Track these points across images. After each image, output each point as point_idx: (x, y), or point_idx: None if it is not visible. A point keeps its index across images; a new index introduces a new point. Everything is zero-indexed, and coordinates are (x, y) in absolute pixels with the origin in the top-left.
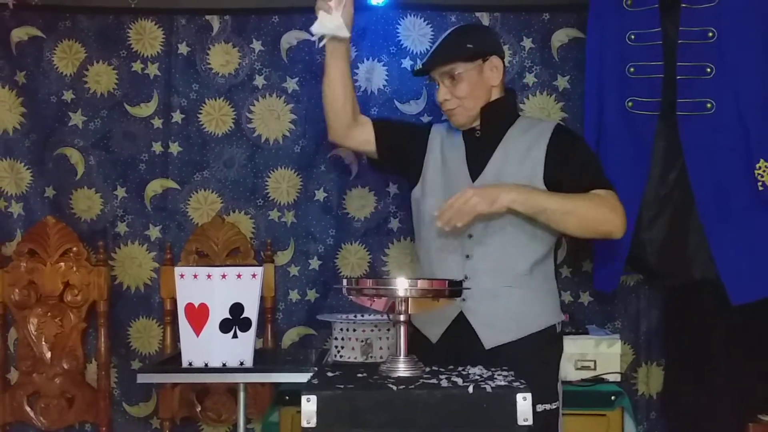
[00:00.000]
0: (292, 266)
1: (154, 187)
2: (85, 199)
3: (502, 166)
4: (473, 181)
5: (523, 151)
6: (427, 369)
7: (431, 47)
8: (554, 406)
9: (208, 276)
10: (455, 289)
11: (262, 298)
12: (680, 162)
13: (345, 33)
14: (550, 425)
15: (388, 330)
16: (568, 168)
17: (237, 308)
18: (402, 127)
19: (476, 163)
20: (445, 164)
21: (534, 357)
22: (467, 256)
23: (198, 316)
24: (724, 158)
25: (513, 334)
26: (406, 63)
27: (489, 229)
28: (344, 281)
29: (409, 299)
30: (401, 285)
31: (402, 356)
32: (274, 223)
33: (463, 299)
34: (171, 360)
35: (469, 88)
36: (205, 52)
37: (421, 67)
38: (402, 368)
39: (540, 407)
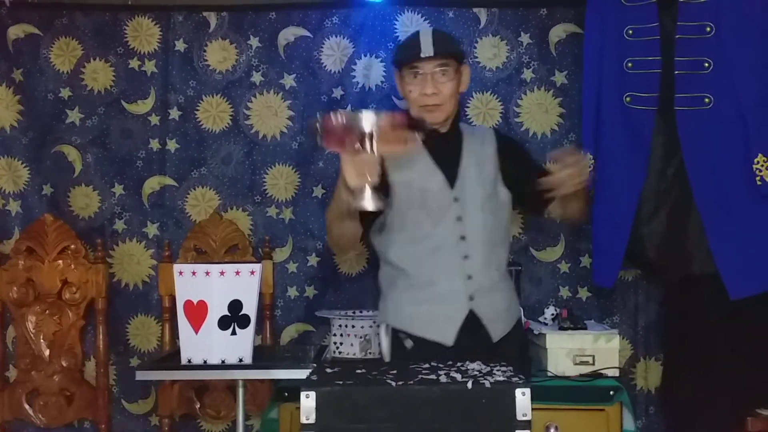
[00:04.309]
0: (291, 263)
1: (152, 184)
2: (83, 196)
3: (469, 168)
4: (451, 186)
5: (481, 155)
6: (426, 365)
7: (414, 39)
8: None
9: (207, 273)
10: (419, 123)
11: (261, 295)
12: (679, 157)
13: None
14: None
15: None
16: (525, 164)
17: (235, 305)
18: None
19: (446, 165)
20: (414, 171)
21: (524, 340)
22: (465, 257)
23: (197, 313)
24: (722, 153)
25: (509, 325)
26: None
27: (481, 228)
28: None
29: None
30: (368, 119)
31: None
32: (272, 220)
33: (471, 299)
34: (170, 357)
35: (454, 89)
36: (202, 49)
37: (430, 53)
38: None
39: None
